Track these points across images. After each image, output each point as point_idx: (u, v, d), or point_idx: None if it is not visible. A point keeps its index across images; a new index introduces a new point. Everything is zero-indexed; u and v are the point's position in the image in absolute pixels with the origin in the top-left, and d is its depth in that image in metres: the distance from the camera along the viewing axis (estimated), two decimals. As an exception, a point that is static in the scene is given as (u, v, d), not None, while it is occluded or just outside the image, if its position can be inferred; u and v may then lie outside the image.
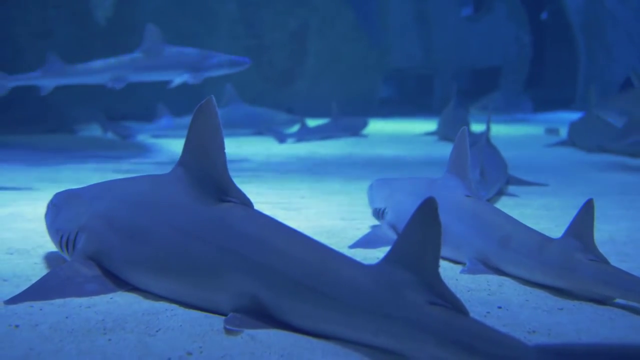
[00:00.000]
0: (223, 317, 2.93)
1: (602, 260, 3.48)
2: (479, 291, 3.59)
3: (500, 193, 6.89)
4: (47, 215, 3.99)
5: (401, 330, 2.54)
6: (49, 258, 4.06)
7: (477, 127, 11.86)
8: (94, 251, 3.45)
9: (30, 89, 9.34)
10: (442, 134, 13.20)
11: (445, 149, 10.55)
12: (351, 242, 4.57)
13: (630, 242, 4.77)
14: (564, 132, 13.10)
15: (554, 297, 3.51)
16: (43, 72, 9.34)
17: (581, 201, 3.58)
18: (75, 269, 3.40)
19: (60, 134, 13.19)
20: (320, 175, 8.56)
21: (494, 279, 3.81)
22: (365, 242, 4.57)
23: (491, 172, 6.74)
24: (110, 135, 13.06)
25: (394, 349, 2.61)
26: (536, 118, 18.53)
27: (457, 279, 3.79)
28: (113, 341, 2.75)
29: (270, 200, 6.42)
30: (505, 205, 6.09)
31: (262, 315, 2.87)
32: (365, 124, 14.48)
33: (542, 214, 5.85)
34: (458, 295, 2.54)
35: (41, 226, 4.03)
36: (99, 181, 4.05)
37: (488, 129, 8.00)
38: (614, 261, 3.61)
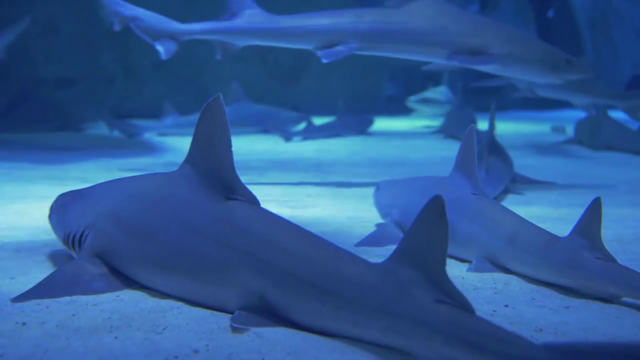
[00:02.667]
0: (230, 315, 2.94)
1: (610, 258, 3.47)
2: (486, 289, 3.58)
3: (507, 191, 6.88)
4: (51, 216, 4.00)
5: (408, 329, 2.54)
6: (56, 256, 4.07)
7: (482, 125, 11.83)
8: (100, 249, 3.46)
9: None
10: (448, 132, 13.19)
11: (451, 147, 10.54)
12: (357, 241, 4.57)
13: (637, 241, 4.75)
14: (570, 130, 13.08)
15: (561, 296, 3.50)
16: None
17: (588, 199, 3.57)
18: (82, 267, 3.41)
19: (66, 132, 13.21)
20: (326, 174, 8.56)
21: (501, 277, 3.80)
22: (371, 240, 4.57)
23: (497, 171, 6.73)
24: (116, 133, 13.08)
25: (400, 347, 2.61)
26: (543, 116, 18.50)
27: (463, 277, 3.79)
28: (120, 339, 2.76)
29: (277, 198, 6.43)
30: (511, 203, 6.07)
31: (269, 313, 2.87)
32: (371, 122, 14.47)
33: (549, 212, 5.84)
34: (464, 294, 2.54)
35: (48, 224, 4.04)
36: (106, 179, 4.06)
37: (493, 126, 7.97)
38: (621, 260, 3.60)
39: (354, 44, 6.26)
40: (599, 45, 22.15)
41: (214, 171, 3.20)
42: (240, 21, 6.50)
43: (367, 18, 6.45)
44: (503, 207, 4.25)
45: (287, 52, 18.38)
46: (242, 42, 6.64)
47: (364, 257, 2.94)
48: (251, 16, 6.49)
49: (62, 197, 4.02)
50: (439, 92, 16.74)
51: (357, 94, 18.19)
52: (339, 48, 6.25)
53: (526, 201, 6.46)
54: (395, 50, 6.61)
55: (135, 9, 6.61)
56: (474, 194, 4.22)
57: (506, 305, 3.31)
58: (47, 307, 3.09)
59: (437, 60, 6.68)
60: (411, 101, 16.22)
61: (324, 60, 6.40)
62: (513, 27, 7.10)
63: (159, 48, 6.53)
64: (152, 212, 3.34)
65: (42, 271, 3.70)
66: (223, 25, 6.57)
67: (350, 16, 6.50)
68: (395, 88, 23.02)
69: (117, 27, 6.61)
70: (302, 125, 13.79)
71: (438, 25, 6.40)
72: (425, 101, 16.19)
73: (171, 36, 6.53)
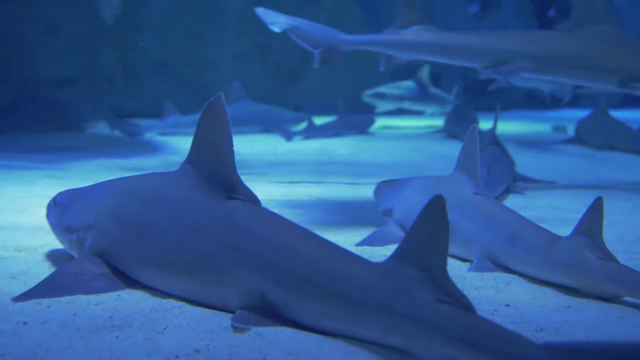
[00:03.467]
0: (231, 315, 2.94)
1: (611, 258, 3.47)
2: (487, 289, 3.58)
3: (508, 191, 6.87)
4: (49, 214, 3.99)
5: (409, 328, 2.54)
6: (57, 256, 4.07)
7: (485, 125, 11.83)
8: (101, 249, 3.46)
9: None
10: (450, 132, 13.17)
11: (452, 147, 10.53)
12: (358, 240, 4.57)
13: (638, 240, 4.75)
14: (571, 130, 13.06)
15: (562, 295, 3.50)
16: None
17: (589, 199, 3.57)
18: (83, 266, 3.41)
19: (67, 132, 13.19)
20: (327, 173, 8.55)
21: (502, 276, 3.80)
22: (372, 239, 4.57)
23: (499, 170, 6.72)
24: (117, 133, 13.07)
25: (401, 347, 2.61)
26: (544, 115, 18.47)
27: (464, 277, 3.79)
28: (121, 338, 2.76)
29: (278, 198, 6.42)
30: (512, 203, 6.08)
31: (270, 312, 2.87)
32: (372, 122, 14.47)
33: (550, 212, 5.83)
34: (466, 293, 2.54)
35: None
36: (107, 179, 4.05)
37: (495, 126, 7.97)
38: (622, 259, 3.60)
39: (523, 64, 6.29)
40: (600, 45, 22.09)
41: (215, 171, 3.20)
42: (407, 35, 6.53)
43: (538, 40, 6.50)
44: (504, 206, 4.25)
45: (288, 52, 18.41)
46: (407, 56, 6.68)
47: (365, 256, 2.94)
48: (418, 31, 6.53)
49: (60, 195, 4.01)
50: (397, 87, 16.48)
51: (357, 93, 18.17)
52: (507, 67, 6.28)
53: (527, 201, 6.46)
54: (564, 74, 6.66)
55: (294, 19, 6.63)
56: (475, 193, 4.22)
57: (507, 305, 3.31)
58: (48, 307, 3.09)
59: (607, 86, 6.67)
60: (366, 95, 16.08)
61: (493, 77, 6.45)
62: None
63: (317, 57, 6.54)
64: (153, 211, 3.34)
65: (42, 271, 3.70)
66: (389, 38, 6.59)
67: (520, 37, 6.57)
68: (396, 88, 22.99)
69: (278, 29, 6.64)
70: (302, 125, 13.78)
71: (610, 51, 6.39)
72: (380, 96, 16.02)
73: (333, 45, 6.54)
